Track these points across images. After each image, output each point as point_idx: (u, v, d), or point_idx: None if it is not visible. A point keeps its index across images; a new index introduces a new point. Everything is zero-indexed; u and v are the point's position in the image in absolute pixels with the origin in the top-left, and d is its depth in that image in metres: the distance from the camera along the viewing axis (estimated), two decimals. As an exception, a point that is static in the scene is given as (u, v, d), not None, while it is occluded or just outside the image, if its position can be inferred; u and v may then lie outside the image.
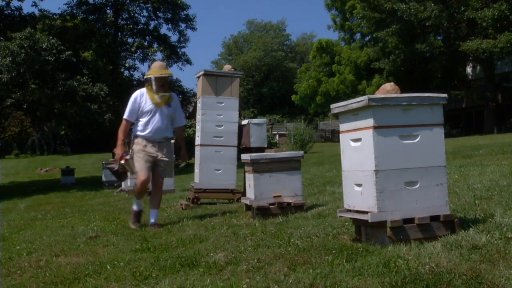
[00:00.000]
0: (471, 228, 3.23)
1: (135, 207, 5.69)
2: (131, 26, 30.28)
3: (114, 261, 3.70)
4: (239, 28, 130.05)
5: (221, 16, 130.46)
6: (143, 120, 5.52)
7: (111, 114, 24.40)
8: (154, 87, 5.48)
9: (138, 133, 5.55)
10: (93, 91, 21.45)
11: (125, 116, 5.58)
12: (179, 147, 6.00)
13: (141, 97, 5.55)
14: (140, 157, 5.48)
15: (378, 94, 3.38)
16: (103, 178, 16.93)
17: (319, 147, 29.07)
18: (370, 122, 3.20)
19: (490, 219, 3.43)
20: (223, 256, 3.43)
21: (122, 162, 5.44)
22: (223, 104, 7.22)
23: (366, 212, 3.24)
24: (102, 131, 32.50)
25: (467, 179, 5.92)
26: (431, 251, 2.87)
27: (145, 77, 5.65)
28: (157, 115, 5.52)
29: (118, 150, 5.47)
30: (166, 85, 5.56)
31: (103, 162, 17.77)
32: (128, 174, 5.85)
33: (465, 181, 5.67)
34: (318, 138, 36.85)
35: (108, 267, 3.53)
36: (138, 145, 5.52)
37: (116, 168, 5.53)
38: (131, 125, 5.62)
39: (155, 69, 5.62)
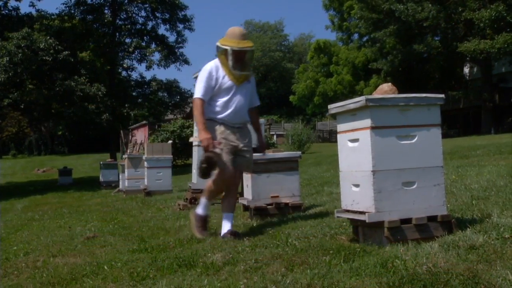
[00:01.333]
0: (468, 228, 3.23)
1: (201, 211, 4.42)
2: (129, 26, 30.32)
3: (112, 261, 3.69)
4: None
5: (219, 17, 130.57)
6: (220, 100, 4.30)
7: (108, 115, 24.39)
8: (230, 62, 4.22)
9: (213, 115, 4.32)
10: (91, 91, 21.49)
11: (198, 95, 4.24)
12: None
13: (217, 71, 4.28)
14: (220, 147, 4.32)
15: (376, 95, 3.38)
16: (101, 179, 16.96)
17: (317, 147, 29.09)
18: (367, 122, 3.20)
19: (487, 220, 3.43)
20: (220, 256, 3.43)
21: (218, 150, 4.15)
22: (220, 105, 7.20)
23: (364, 213, 3.24)
24: (100, 132, 32.52)
25: (464, 179, 5.93)
26: (429, 251, 2.87)
27: (217, 44, 4.30)
28: (238, 94, 4.32)
29: (203, 135, 4.15)
30: (246, 61, 4.33)
31: (101, 163, 17.80)
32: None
33: (462, 182, 5.68)
34: (316, 139, 36.87)
35: (106, 267, 3.52)
36: (215, 132, 4.30)
37: (214, 158, 4.12)
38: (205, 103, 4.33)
39: (233, 37, 4.23)
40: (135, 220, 6.54)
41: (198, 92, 4.26)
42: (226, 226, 4.30)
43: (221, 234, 4.25)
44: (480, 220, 3.47)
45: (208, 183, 4.43)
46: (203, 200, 4.46)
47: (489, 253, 2.70)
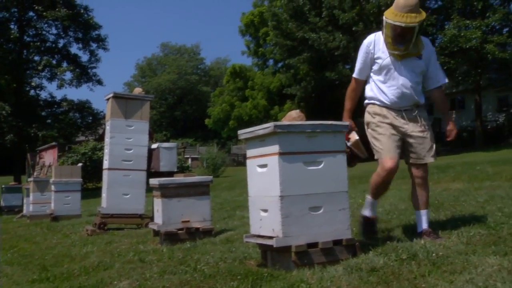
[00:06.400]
0: (370, 251, 3.37)
1: (367, 212, 3.99)
2: (38, 43, 29.10)
3: (8, 293, 3.47)
4: (153, 50, 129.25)
5: (134, 38, 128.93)
6: (381, 79, 3.82)
7: (13, 135, 23.11)
8: (386, 36, 3.72)
9: (371, 99, 3.91)
10: (-6, 110, 20.30)
11: (354, 74, 3.95)
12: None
13: (375, 45, 3.81)
14: (381, 132, 3.82)
15: (284, 121, 3.47)
16: (2, 203, 15.94)
17: (232, 171, 29.20)
18: (275, 148, 3.27)
19: (388, 242, 3.60)
20: (127, 284, 3.33)
21: (349, 143, 3.86)
22: (132, 128, 7.09)
23: (272, 237, 3.28)
24: (3, 153, 30.72)
25: (369, 203, 6.17)
26: (333, 274, 2.96)
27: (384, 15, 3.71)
28: (402, 71, 3.76)
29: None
30: (409, 37, 3.64)
31: (3, 186, 16.75)
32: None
33: (367, 205, 5.91)
34: (231, 162, 37.02)
35: (1, 300, 3.30)
36: (376, 115, 3.85)
37: (352, 150, 3.89)
38: (364, 85, 3.96)
39: (396, 8, 3.62)
40: (37, 247, 6.20)
41: (355, 70, 3.95)
42: (423, 224, 3.79)
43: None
44: (382, 242, 3.63)
45: (372, 177, 3.90)
46: (368, 199, 3.98)
47: (388, 274, 2.83)
